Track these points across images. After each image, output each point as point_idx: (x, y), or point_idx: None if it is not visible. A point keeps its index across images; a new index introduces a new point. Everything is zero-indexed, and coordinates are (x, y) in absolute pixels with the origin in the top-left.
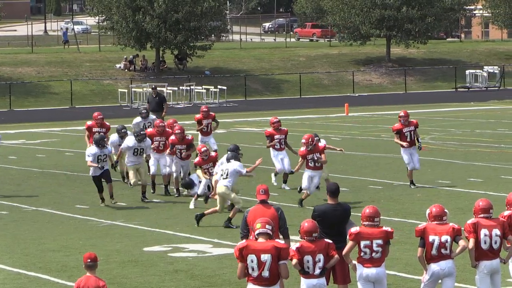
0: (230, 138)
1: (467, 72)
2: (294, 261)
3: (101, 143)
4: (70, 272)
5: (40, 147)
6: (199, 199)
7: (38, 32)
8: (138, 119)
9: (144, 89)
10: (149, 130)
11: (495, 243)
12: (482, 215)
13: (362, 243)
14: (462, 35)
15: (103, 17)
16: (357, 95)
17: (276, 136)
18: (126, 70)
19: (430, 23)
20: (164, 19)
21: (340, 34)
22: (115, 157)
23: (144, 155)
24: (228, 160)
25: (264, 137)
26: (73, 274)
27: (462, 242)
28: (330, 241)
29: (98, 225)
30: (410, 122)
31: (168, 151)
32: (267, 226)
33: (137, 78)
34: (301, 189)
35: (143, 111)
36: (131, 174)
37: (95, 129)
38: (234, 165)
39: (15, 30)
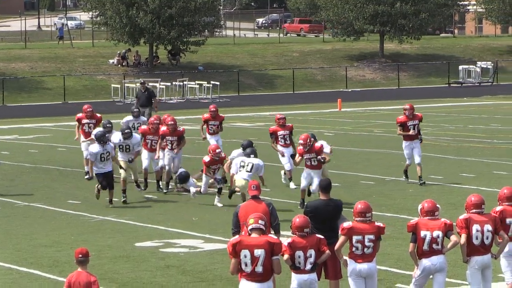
0: (223, 134)
1: (460, 67)
2: (286, 256)
3: (102, 139)
4: (61, 268)
5: (33, 142)
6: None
7: (32, 27)
8: (129, 117)
9: (137, 84)
10: (143, 127)
11: (487, 238)
12: (474, 210)
13: (354, 238)
14: (456, 31)
15: (96, 13)
16: (350, 90)
17: (280, 132)
18: (119, 65)
19: (424, 19)
20: (158, 15)
21: (333, 29)
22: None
23: (135, 151)
24: (248, 155)
25: (259, 133)
26: (65, 269)
27: (453, 238)
28: (322, 237)
29: (90, 220)
30: (415, 116)
31: (158, 147)
32: (260, 222)
33: (130, 73)
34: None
35: (135, 110)
36: (121, 171)
37: (84, 121)
38: (258, 161)
39: (9, 26)
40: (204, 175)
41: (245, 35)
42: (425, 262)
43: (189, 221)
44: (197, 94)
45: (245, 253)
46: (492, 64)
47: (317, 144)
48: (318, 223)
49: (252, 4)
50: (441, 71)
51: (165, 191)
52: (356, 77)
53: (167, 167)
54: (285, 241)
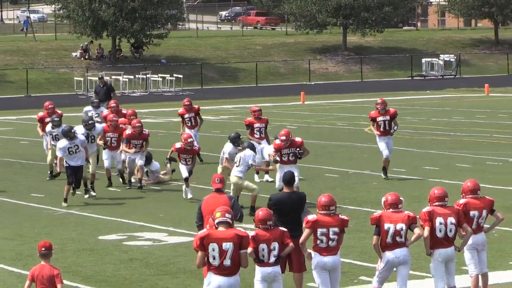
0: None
1: (423, 60)
2: (249, 249)
3: (69, 134)
4: (25, 261)
5: None
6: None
7: None
8: (88, 107)
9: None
10: (103, 125)
11: (450, 231)
12: (437, 203)
13: (319, 231)
14: (419, 24)
15: (59, 6)
16: (313, 83)
17: (256, 125)
18: (82, 58)
19: (387, 12)
20: (120, 8)
21: (296, 22)
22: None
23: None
24: (243, 148)
25: (222, 126)
26: (28, 262)
27: (417, 230)
28: (285, 229)
29: (54, 213)
30: (387, 111)
31: (122, 148)
32: (226, 215)
33: (93, 66)
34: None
35: (94, 101)
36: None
37: (48, 119)
38: (244, 152)
39: None
40: (180, 164)
41: (208, 28)
42: (389, 254)
43: (153, 214)
44: (160, 87)
45: (213, 246)
46: (455, 57)
47: (298, 139)
48: (281, 216)
49: None
50: (404, 64)
51: (127, 187)
52: (319, 70)
53: (128, 170)
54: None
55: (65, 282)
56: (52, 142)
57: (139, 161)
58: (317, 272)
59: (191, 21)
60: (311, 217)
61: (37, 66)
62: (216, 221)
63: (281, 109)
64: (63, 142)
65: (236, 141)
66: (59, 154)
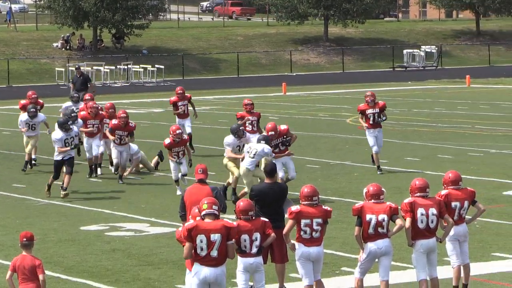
0: (168, 118)
1: (405, 51)
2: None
3: (65, 126)
4: (6, 251)
5: None
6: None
7: None
8: (68, 103)
9: (82, 68)
10: (82, 113)
11: (432, 222)
12: (418, 194)
13: (303, 222)
14: (400, 15)
15: None
16: (294, 74)
17: (248, 118)
18: (63, 49)
19: (368, 3)
20: None
21: (277, 13)
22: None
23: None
24: (258, 141)
25: (203, 117)
26: (10, 253)
27: (399, 221)
28: (267, 220)
29: (35, 204)
30: (376, 104)
31: (107, 135)
32: (213, 207)
33: (75, 57)
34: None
35: (74, 96)
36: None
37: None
38: (262, 147)
39: None
40: (170, 161)
41: (189, 18)
42: (371, 245)
43: (135, 205)
44: (141, 78)
45: (201, 238)
46: (436, 48)
47: (283, 127)
48: (263, 207)
49: None
50: (385, 55)
51: (120, 182)
52: (300, 61)
53: (115, 160)
54: None
55: (46, 272)
56: (26, 133)
57: (125, 154)
58: (301, 262)
59: (172, 11)
60: (294, 208)
61: (18, 57)
62: (203, 213)
63: (262, 100)
64: (59, 133)
65: (237, 132)
66: (56, 145)
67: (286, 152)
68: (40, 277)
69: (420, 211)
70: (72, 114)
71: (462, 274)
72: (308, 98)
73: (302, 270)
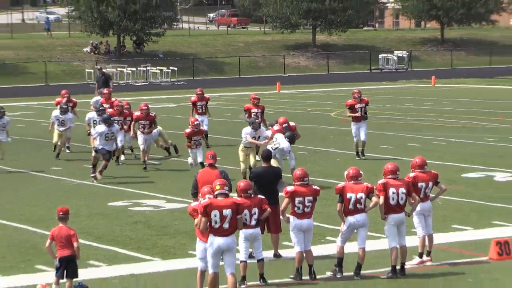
0: (181, 111)
1: (380, 56)
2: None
3: (109, 121)
4: (47, 223)
5: (20, 118)
6: None
7: (17, 20)
8: (98, 97)
9: (108, 69)
10: (109, 110)
11: (401, 199)
12: (390, 176)
13: (296, 199)
14: (376, 25)
15: (72, 8)
16: (287, 75)
17: (253, 110)
18: (92, 53)
19: (350, 14)
20: (124, 10)
21: (273, 23)
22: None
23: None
24: (286, 137)
25: (210, 111)
26: (49, 224)
27: (374, 199)
28: (263, 197)
29: (70, 184)
30: (362, 100)
31: (132, 130)
32: (225, 188)
33: (102, 60)
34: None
35: (105, 92)
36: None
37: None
38: (284, 145)
39: None
40: (189, 149)
41: (198, 27)
42: (351, 219)
43: (154, 185)
44: (158, 78)
45: (215, 213)
46: (407, 53)
47: (292, 124)
48: (260, 187)
49: (205, 1)
50: (364, 59)
51: (144, 167)
52: (292, 64)
53: (142, 147)
54: None
55: (80, 240)
56: (56, 127)
57: (149, 142)
58: (294, 232)
59: (184, 21)
60: (290, 188)
61: (54, 60)
62: (216, 192)
63: (260, 97)
64: (102, 127)
65: (254, 125)
66: (95, 135)
67: (264, 142)
68: (75, 244)
69: (391, 190)
70: (101, 108)
71: (427, 243)
72: (299, 95)
73: (295, 239)
